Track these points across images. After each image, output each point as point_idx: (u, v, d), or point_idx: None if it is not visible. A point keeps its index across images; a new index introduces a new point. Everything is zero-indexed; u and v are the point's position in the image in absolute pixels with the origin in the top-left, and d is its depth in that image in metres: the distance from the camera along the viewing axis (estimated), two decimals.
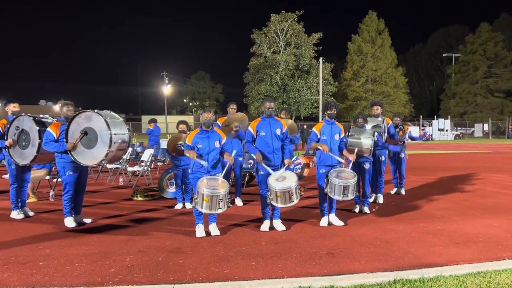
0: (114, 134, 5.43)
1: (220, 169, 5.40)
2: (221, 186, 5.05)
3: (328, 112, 5.84)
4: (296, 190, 5.28)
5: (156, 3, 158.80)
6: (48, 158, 6.22)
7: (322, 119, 6.03)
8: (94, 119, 5.50)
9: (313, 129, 5.94)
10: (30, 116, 6.01)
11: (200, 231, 5.28)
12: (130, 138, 5.92)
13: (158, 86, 59.02)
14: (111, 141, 5.37)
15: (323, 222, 5.77)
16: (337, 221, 5.80)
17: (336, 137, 5.82)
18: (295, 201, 5.33)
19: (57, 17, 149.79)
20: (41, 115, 6.29)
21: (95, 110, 5.56)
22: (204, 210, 5.03)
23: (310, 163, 10.46)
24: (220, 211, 5.04)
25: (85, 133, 5.47)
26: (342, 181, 5.52)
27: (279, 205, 5.33)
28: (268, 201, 5.39)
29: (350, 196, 5.63)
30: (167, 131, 40.80)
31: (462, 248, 4.71)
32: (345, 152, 5.88)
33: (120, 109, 75.38)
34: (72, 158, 5.56)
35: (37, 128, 5.87)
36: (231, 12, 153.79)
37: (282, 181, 5.27)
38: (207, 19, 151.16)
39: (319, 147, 5.71)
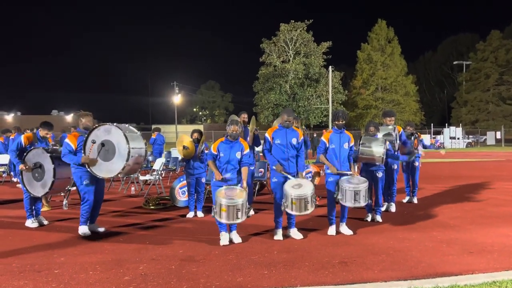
0: (132, 148, 5.50)
1: (235, 180, 5.43)
2: (239, 195, 5.08)
3: (336, 122, 5.84)
4: (311, 199, 5.28)
5: (165, 14, 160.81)
6: (59, 191, 6.64)
7: (331, 127, 6.02)
8: (113, 132, 5.58)
9: (322, 138, 5.94)
10: (44, 150, 6.10)
11: (224, 239, 5.29)
12: (146, 152, 5.99)
13: (168, 95, 59.51)
14: (129, 155, 5.45)
15: (331, 231, 5.75)
16: (346, 231, 5.76)
17: (345, 145, 5.79)
18: (310, 209, 5.32)
19: (69, 26, 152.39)
20: (56, 148, 6.42)
21: (114, 124, 5.64)
22: (223, 220, 5.07)
23: (321, 171, 10.44)
24: (238, 221, 5.07)
25: (102, 145, 5.54)
26: (353, 185, 5.53)
27: (294, 212, 5.32)
28: (282, 208, 5.40)
29: (362, 203, 5.61)
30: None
31: (477, 257, 4.65)
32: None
33: (131, 119, 76.13)
34: (88, 169, 5.65)
35: (53, 166, 5.94)
36: (241, 22, 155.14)
37: (298, 189, 5.28)
38: (216, 29, 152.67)
39: (329, 168, 5.73)
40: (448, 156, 26.09)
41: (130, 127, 5.91)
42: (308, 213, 5.37)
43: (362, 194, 5.55)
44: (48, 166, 5.98)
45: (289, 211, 5.34)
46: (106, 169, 5.60)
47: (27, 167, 6.09)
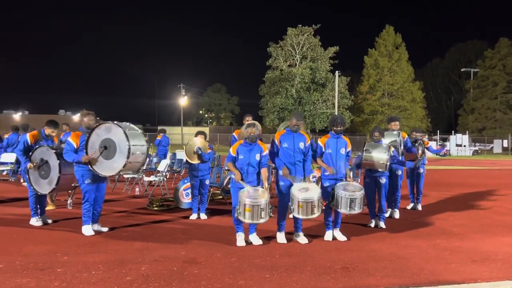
0: (133, 145, 5.55)
1: (255, 182, 5.47)
2: (262, 195, 5.16)
3: (334, 128, 5.80)
4: (318, 203, 5.30)
5: (173, 15, 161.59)
6: (66, 188, 6.77)
7: (329, 132, 5.98)
8: (113, 131, 5.64)
9: (318, 142, 5.89)
10: (49, 147, 6.19)
11: (240, 239, 5.34)
12: (148, 150, 6.05)
13: (174, 97, 59.79)
14: (129, 152, 5.49)
15: (328, 236, 5.72)
16: (340, 236, 5.72)
17: (342, 151, 5.76)
18: (316, 213, 5.34)
19: (76, 30, 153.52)
20: (61, 146, 6.48)
21: (115, 122, 5.70)
22: (246, 220, 5.14)
23: None
24: (262, 220, 5.15)
25: (104, 147, 5.62)
26: (349, 193, 5.49)
27: (300, 216, 5.34)
28: (290, 213, 5.42)
29: (357, 210, 5.55)
30: (183, 142, 41.17)
31: (480, 266, 4.62)
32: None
33: (137, 120, 76.33)
34: (90, 168, 5.70)
35: (58, 162, 6.01)
36: (248, 26, 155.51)
37: (305, 192, 5.30)
38: (223, 32, 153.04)
39: (326, 171, 5.71)
40: (454, 163, 25.93)
41: (131, 125, 5.97)
42: (314, 217, 5.38)
43: (358, 201, 5.51)
44: (54, 163, 6.06)
45: (295, 214, 5.36)
46: (108, 167, 5.67)
47: (34, 164, 6.16)
